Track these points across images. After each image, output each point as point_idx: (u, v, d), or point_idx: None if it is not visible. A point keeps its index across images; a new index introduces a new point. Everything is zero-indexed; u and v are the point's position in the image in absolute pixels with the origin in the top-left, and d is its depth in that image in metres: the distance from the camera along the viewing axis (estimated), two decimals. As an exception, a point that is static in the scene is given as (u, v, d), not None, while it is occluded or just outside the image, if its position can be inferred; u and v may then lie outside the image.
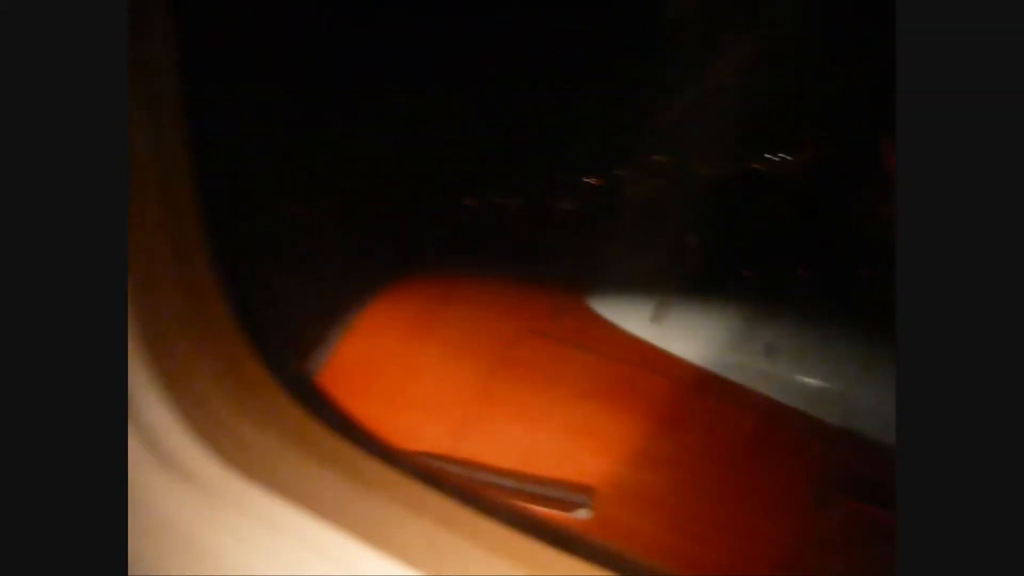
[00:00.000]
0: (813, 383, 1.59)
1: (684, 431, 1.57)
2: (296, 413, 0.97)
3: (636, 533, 1.50)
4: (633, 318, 1.76)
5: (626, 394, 1.63)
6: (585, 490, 1.49)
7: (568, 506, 1.48)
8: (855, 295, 1.90)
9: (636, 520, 1.50)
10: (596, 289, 1.87)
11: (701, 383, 1.63)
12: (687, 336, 1.70)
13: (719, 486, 1.50)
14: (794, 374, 1.60)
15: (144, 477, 0.83)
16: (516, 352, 1.71)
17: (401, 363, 1.79)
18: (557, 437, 1.60)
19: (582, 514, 1.47)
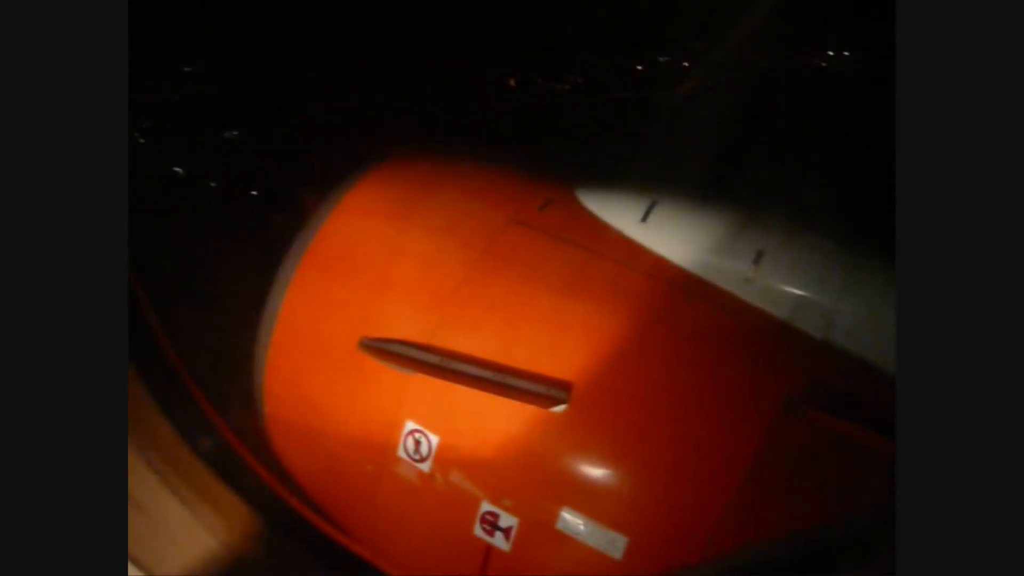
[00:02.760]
0: (798, 293, 1.58)
1: (664, 332, 1.57)
2: None
3: (607, 430, 1.52)
4: (623, 216, 1.72)
5: (609, 292, 1.61)
6: (563, 385, 1.50)
7: (546, 401, 1.49)
8: (850, 206, 1.87)
9: (609, 418, 1.52)
10: (587, 184, 1.82)
11: (685, 286, 1.62)
12: (676, 238, 1.67)
13: (693, 388, 1.51)
14: (780, 284, 1.59)
15: None
16: (500, 242, 1.69)
17: (385, 244, 1.76)
18: (538, 330, 1.59)
19: (559, 409, 1.48)
